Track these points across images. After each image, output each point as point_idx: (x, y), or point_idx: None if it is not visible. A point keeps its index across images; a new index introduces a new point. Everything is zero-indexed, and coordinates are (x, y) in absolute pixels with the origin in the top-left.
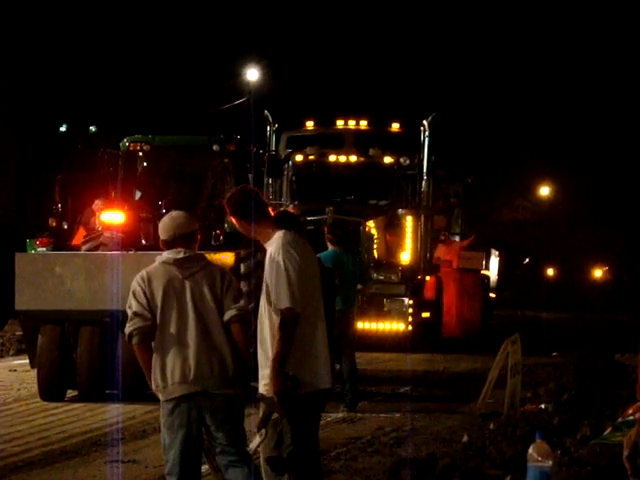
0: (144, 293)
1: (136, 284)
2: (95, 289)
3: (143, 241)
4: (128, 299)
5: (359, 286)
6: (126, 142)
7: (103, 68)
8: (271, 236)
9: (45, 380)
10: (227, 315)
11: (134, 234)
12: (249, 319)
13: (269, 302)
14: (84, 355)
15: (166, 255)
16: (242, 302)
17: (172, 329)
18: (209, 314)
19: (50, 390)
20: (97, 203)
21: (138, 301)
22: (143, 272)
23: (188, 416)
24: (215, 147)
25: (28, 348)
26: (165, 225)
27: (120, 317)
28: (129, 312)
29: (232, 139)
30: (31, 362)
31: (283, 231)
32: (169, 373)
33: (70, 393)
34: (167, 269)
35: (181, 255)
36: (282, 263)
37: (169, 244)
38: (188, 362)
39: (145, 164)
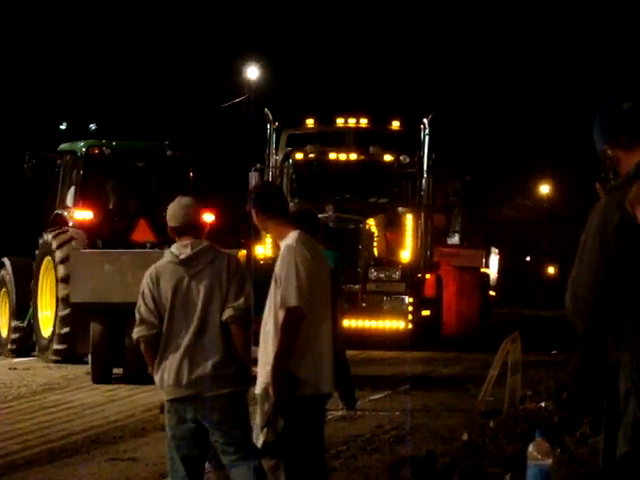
0: (152, 296)
1: (145, 284)
2: (140, 283)
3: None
4: (138, 299)
5: None
6: (83, 147)
7: (103, 67)
8: (286, 234)
9: (97, 364)
10: (224, 314)
11: (98, 231)
12: (247, 318)
13: (276, 298)
14: (131, 343)
15: (173, 251)
16: (242, 300)
17: (175, 331)
18: (212, 314)
19: (100, 373)
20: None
21: (146, 305)
22: (152, 270)
23: (183, 416)
24: (168, 152)
25: (77, 336)
26: (174, 212)
27: None
28: (137, 316)
29: (179, 145)
30: (76, 350)
31: (298, 231)
32: (166, 375)
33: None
34: (174, 268)
35: (188, 252)
36: (294, 262)
37: (177, 232)
38: (183, 366)
39: (104, 167)
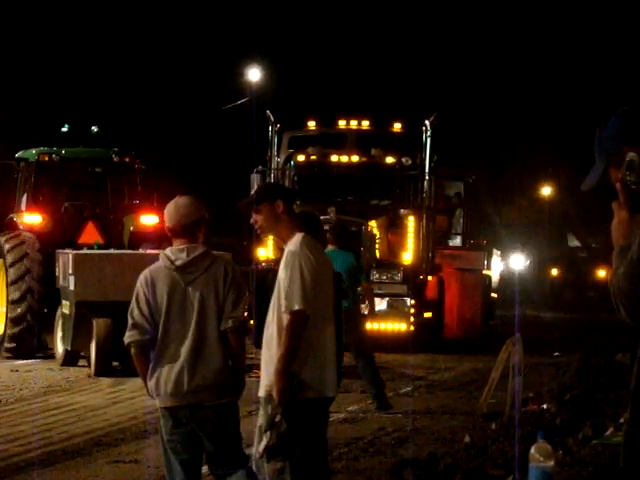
0: (146, 299)
1: (140, 287)
2: None
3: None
4: (131, 302)
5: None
6: (34, 154)
7: (105, 68)
8: (291, 236)
9: (100, 359)
10: (223, 325)
11: (47, 234)
12: (244, 328)
13: (280, 301)
14: None
15: (169, 255)
16: (239, 309)
17: (171, 338)
18: (209, 322)
19: (103, 368)
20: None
21: (140, 309)
22: (147, 273)
23: (180, 422)
24: (115, 158)
25: (75, 332)
26: (170, 212)
27: None
28: (129, 319)
29: (127, 152)
30: (72, 344)
31: (303, 234)
32: (163, 383)
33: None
34: (169, 274)
35: (184, 258)
36: (298, 265)
37: (174, 232)
38: (182, 375)
39: (55, 173)
